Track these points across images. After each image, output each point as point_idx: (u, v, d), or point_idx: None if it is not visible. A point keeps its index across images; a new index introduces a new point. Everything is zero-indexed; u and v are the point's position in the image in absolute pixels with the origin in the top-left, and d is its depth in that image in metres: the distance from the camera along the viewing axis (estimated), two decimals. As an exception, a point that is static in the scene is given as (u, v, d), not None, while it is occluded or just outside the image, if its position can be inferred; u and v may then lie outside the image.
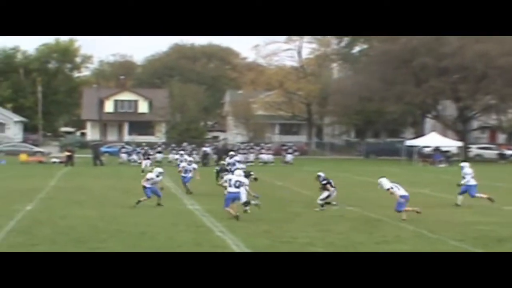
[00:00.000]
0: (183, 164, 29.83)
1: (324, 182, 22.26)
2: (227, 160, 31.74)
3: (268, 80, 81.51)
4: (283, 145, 63.73)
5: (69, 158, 50.58)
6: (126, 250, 14.20)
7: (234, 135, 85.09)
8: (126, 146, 60.31)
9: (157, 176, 22.85)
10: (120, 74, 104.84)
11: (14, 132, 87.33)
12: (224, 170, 27.70)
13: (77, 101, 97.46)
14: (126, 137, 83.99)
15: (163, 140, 78.12)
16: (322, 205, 21.95)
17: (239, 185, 19.99)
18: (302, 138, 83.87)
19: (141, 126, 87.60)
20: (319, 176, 22.47)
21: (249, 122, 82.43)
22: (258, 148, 60.41)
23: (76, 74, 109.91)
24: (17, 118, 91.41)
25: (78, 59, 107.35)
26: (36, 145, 72.77)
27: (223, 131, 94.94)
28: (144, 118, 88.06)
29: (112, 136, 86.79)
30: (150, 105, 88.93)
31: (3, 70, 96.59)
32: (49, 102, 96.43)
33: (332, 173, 31.44)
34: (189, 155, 55.40)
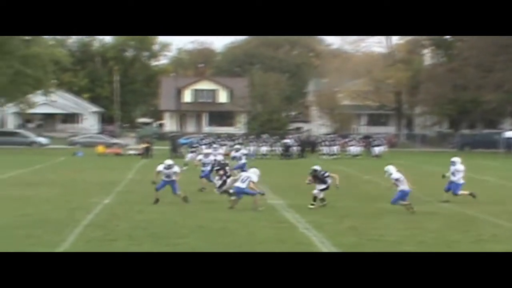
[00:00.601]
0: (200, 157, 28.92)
1: (326, 174, 21.67)
2: (233, 153, 31.97)
3: (355, 68, 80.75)
4: (368, 137, 63.06)
5: (147, 150, 51.48)
6: (207, 246, 14.39)
7: (318, 126, 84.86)
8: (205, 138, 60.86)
9: (167, 168, 22.16)
10: (199, 62, 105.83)
11: (91, 123, 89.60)
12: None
13: (155, 90, 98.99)
14: (205, 128, 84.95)
15: (243, 131, 78.62)
16: (323, 200, 21.44)
17: (245, 180, 20.85)
18: (390, 129, 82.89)
19: (221, 116, 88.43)
20: (315, 170, 21.70)
21: (334, 113, 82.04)
22: (344, 140, 60.06)
23: (153, 62, 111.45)
24: (93, 108, 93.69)
25: (155, 47, 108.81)
26: (113, 137, 74.36)
27: (307, 122, 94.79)
28: (224, 108, 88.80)
29: (190, 127, 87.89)
30: (230, 94, 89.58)
31: (80, 59, 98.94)
32: (126, 91, 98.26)
33: (423, 166, 30.98)
34: (270, 147, 55.81)
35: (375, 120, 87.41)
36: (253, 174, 21.29)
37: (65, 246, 14.43)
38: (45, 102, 77.93)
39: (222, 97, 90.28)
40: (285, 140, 55.63)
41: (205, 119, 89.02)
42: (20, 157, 49.18)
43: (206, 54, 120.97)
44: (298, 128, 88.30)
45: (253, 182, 20.86)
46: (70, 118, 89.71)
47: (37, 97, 70.06)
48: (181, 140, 60.64)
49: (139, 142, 66.85)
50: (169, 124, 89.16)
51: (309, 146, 58.04)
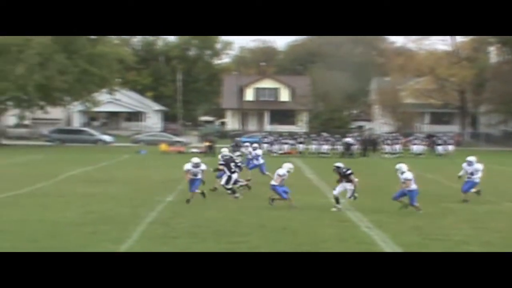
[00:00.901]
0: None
1: (349, 172, 20.73)
2: (250, 151, 30.41)
3: (418, 66, 79.73)
4: (431, 136, 62.19)
5: (210, 148, 51.85)
6: (268, 245, 14.41)
7: (380, 125, 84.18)
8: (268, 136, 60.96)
9: (194, 166, 22.05)
10: (261, 61, 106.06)
11: (154, 121, 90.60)
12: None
13: (217, 89, 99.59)
14: (267, 127, 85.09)
15: (305, 129, 78.49)
16: (355, 197, 20.81)
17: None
18: (453, 128, 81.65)
19: (282, 115, 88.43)
20: (338, 167, 20.83)
21: (396, 111, 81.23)
22: (407, 138, 59.42)
23: (216, 61, 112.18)
24: (157, 107, 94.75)
25: (218, 46, 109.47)
26: (176, 135, 75.06)
27: (369, 120, 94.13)
28: (285, 107, 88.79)
29: (252, 126, 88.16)
30: (292, 93, 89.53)
31: (144, 58, 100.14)
32: (188, 90, 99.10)
33: (489, 165, 30.39)
34: (332, 145, 55.54)
35: (438, 118, 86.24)
36: (282, 168, 21.16)
37: (129, 243, 14.63)
38: (110, 101, 79.12)
39: (284, 95, 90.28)
40: (346, 139, 55.29)
41: (266, 117, 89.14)
42: (85, 155, 50.06)
43: (268, 53, 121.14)
44: (360, 127, 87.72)
45: (279, 175, 20.87)
46: (134, 116, 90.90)
47: (102, 96, 71.13)
48: (243, 139, 60.85)
49: (201, 140, 67.36)
50: (231, 123, 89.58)
51: (371, 145, 57.57)
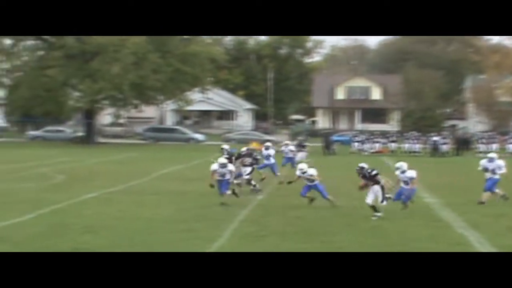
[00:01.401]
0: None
1: (374, 172, 18.77)
2: (264, 151, 28.94)
3: (515, 63, 77.72)
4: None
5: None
6: (357, 245, 14.41)
7: (474, 124, 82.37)
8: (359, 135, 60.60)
9: (221, 167, 21.24)
10: (352, 59, 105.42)
11: (245, 120, 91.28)
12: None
13: (308, 87, 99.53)
14: (358, 125, 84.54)
15: (397, 128, 77.61)
16: (387, 199, 18.87)
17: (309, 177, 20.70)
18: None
19: (374, 113, 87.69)
20: (362, 168, 18.98)
21: (492, 109, 79.30)
22: (503, 137, 57.96)
23: (307, 59, 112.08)
24: (248, 105, 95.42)
25: (309, 45, 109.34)
26: (267, 133, 75.43)
27: (462, 119, 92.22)
28: (377, 105, 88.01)
29: (343, 124, 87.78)
30: (384, 91, 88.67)
31: (235, 57, 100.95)
32: (279, 89, 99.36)
33: None
34: (424, 144, 54.70)
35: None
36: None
37: (221, 242, 14.89)
38: (201, 99, 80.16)
39: (375, 94, 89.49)
40: (434, 138, 54.31)
41: (357, 116, 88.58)
42: (178, 153, 50.93)
43: (359, 51, 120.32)
44: (453, 126, 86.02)
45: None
46: (225, 115, 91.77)
47: (195, 94, 72.15)
48: (334, 137, 60.66)
49: (291, 139, 67.53)
50: (322, 121, 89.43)
51: (464, 144, 56.45)
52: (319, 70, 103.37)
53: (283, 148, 32.10)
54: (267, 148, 28.68)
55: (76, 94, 63.77)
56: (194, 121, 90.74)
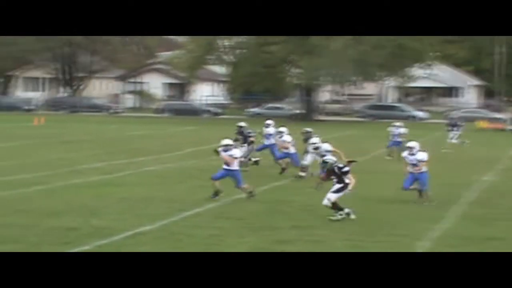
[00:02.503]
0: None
1: (345, 169, 15.66)
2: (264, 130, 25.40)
3: None
4: None
5: None
6: None
7: None
8: None
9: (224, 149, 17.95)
10: None
11: (470, 97, 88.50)
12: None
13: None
14: None
15: None
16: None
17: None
18: None
19: None
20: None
21: None
22: None
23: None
24: (474, 82, 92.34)
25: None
26: (496, 111, 72.62)
27: None
28: None
29: None
30: None
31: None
32: (511, 63, 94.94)
33: None
34: None
35: None
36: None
37: (444, 223, 14.57)
38: (425, 76, 78.52)
39: None
40: None
41: None
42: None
43: None
44: None
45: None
46: (449, 92, 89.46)
47: (417, 71, 70.83)
48: None
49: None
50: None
51: None
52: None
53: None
54: (266, 126, 25.39)
55: (295, 71, 64.80)
56: (417, 98, 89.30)
